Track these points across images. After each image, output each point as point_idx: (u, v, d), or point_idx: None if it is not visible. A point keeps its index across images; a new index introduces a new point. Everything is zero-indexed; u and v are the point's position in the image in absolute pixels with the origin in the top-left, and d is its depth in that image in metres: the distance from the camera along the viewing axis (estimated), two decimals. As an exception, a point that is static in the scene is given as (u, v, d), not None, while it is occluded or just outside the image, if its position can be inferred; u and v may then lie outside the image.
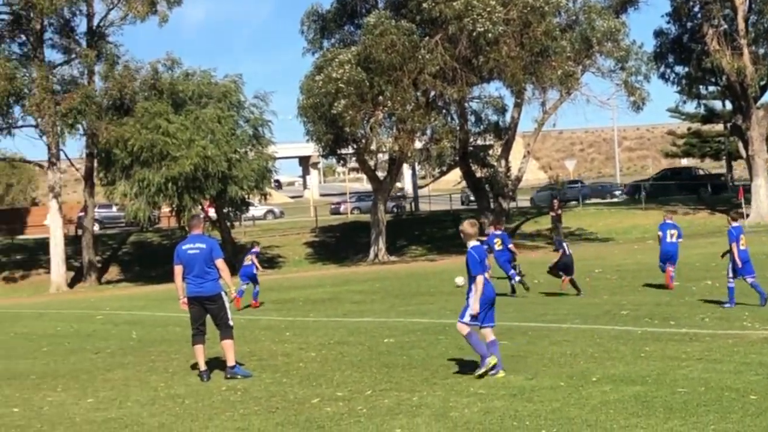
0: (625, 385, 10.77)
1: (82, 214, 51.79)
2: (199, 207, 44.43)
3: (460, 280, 12.76)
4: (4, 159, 68.93)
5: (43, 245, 48.97)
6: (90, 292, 43.41)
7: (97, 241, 50.58)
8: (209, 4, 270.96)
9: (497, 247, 23.49)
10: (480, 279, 12.03)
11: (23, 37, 46.97)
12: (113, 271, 50.61)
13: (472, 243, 12.48)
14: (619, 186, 78.95)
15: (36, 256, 50.96)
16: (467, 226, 12.64)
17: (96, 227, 54.36)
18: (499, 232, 24.34)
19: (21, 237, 59.81)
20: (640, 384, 10.76)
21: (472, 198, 73.74)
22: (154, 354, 16.88)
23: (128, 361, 16.28)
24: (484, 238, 12.89)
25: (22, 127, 48.00)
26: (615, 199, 74.00)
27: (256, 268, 26.08)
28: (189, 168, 41.76)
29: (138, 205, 43.12)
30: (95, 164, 47.97)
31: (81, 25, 47.78)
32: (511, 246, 24.04)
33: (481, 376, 11.79)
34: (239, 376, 13.29)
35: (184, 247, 13.73)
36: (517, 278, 23.38)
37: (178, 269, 13.73)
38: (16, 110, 46.78)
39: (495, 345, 12.15)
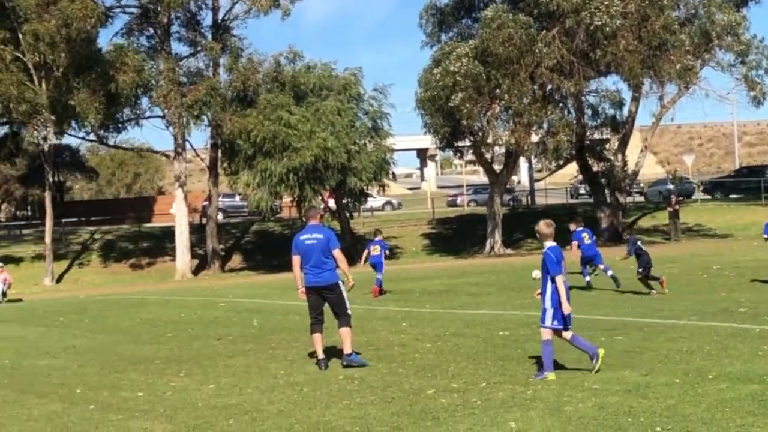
0: (742, 383, 10.54)
1: (206, 203, 52.78)
2: (319, 197, 44.87)
3: (537, 273, 12.63)
4: (132, 149, 70.69)
5: (168, 233, 50.07)
6: (213, 279, 44.23)
7: (221, 229, 51.52)
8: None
9: (586, 241, 23.65)
10: (560, 279, 11.89)
11: (151, 31, 48.14)
12: (236, 260, 51.46)
13: (549, 243, 12.26)
14: (693, 183, 76.39)
15: (162, 243, 52.10)
16: (543, 227, 12.40)
17: (220, 216, 55.35)
18: (581, 229, 24.35)
19: (148, 225, 61.20)
20: (758, 382, 10.53)
21: (581, 191, 73.16)
22: (274, 342, 17.13)
23: (249, 348, 16.56)
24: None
25: (149, 117, 49.44)
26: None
27: (385, 256, 26.68)
28: (309, 159, 42.22)
29: (260, 194, 43.77)
30: (219, 154, 48.93)
31: (206, 19, 48.82)
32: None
33: (597, 371, 11.70)
34: (355, 364, 13.43)
35: (301, 238, 13.91)
36: (610, 272, 23.37)
37: (296, 259, 13.91)
38: (144, 101, 48.22)
39: (548, 345, 11.93)
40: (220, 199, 57.13)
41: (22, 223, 70.76)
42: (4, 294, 35.21)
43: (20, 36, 43.86)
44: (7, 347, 19.17)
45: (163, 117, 47.57)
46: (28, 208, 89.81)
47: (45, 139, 47.00)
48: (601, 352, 11.86)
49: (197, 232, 51.40)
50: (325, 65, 47.44)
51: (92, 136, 52.03)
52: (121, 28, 48.67)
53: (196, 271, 47.65)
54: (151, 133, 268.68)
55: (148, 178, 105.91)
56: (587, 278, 23.96)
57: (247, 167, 44.43)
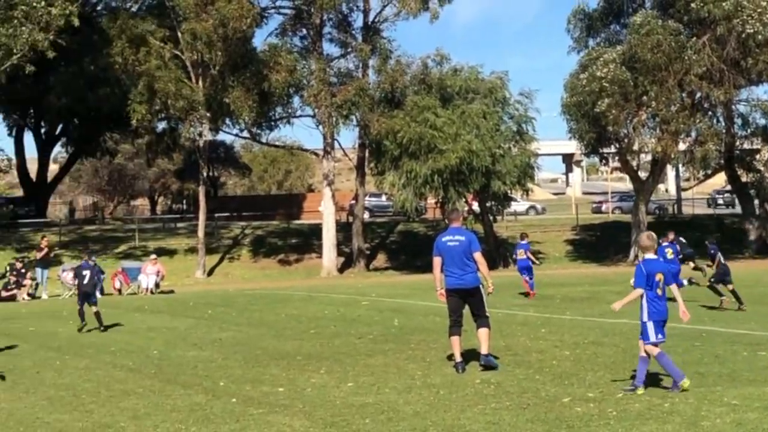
0: None
1: (353, 202, 53.28)
2: (463, 200, 44.80)
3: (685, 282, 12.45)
4: (283, 146, 71.88)
5: (316, 231, 50.70)
6: (358, 278, 44.64)
7: (367, 228, 51.93)
8: (479, 2, 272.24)
9: (669, 256, 23.20)
10: (637, 292, 11.80)
11: (304, 31, 48.90)
12: (380, 259, 51.82)
13: (648, 256, 12.15)
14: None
15: (309, 240, 52.81)
16: (644, 239, 12.33)
17: (366, 215, 55.80)
18: (667, 244, 24.03)
19: (297, 222, 62.11)
20: None
21: (719, 201, 71.19)
22: (413, 342, 17.20)
23: (389, 348, 16.66)
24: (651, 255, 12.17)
25: (300, 116, 50.26)
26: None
27: (531, 261, 27.05)
28: (454, 161, 42.22)
29: (405, 195, 43.98)
30: (366, 154, 49.35)
31: (357, 21, 49.33)
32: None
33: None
34: (492, 365, 13.43)
35: (443, 239, 13.94)
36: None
37: (437, 261, 13.95)
38: (296, 100, 49.02)
39: (645, 362, 11.73)
40: (367, 198, 57.62)
41: (177, 216, 72.76)
42: (157, 285, 36.26)
43: (179, 35, 45.06)
44: (156, 337, 19.75)
45: (313, 116, 48.27)
46: (184, 201, 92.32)
47: (200, 135, 48.18)
48: (640, 391, 11.52)
49: (344, 230, 51.94)
50: (472, 68, 47.32)
51: (246, 133, 53.17)
52: (275, 29, 49.74)
53: (341, 269, 48.14)
54: (301, 131, 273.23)
55: (299, 176, 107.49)
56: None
57: (393, 168, 44.69)
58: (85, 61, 52.99)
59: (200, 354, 16.77)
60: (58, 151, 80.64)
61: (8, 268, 36.23)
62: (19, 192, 77.00)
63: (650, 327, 11.74)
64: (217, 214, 58.97)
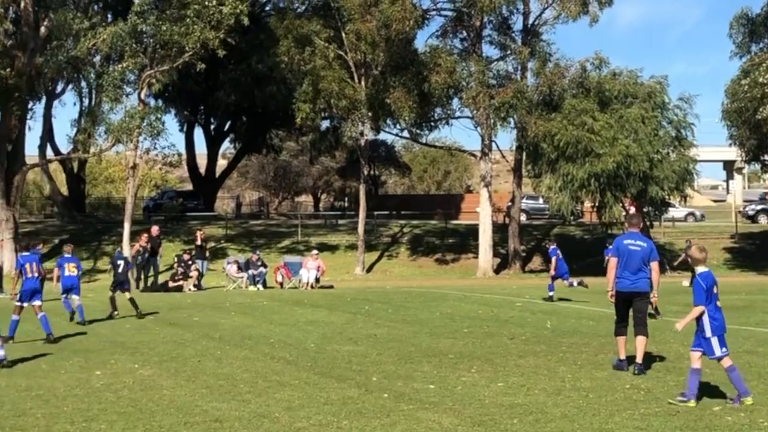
0: None
1: (510, 203, 53.05)
2: (620, 204, 44.05)
3: (686, 282, 12.03)
4: (442, 147, 72.01)
5: (473, 231, 50.67)
6: (513, 279, 44.43)
7: (523, 230, 51.64)
8: (641, 5, 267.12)
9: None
10: (699, 309, 11.44)
11: (464, 33, 48.93)
12: (536, 261, 51.43)
13: (701, 269, 11.77)
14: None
15: (466, 241, 52.80)
16: (696, 251, 12.03)
17: (522, 217, 55.51)
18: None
19: (454, 222, 62.16)
20: None
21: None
22: (564, 345, 17.07)
23: (540, 349, 16.57)
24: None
25: (459, 118, 50.30)
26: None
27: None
28: (611, 165, 41.59)
29: (562, 198, 43.55)
30: (524, 157, 49.08)
31: (517, 23, 49.04)
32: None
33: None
34: (643, 373, 13.29)
35: (625, 242, 13.99)
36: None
37: (613, 261, 14.00)
38: (455, 102, 49.05)
39: (732, 371, 11.34)
40: (524, 200, 57.30)
41: (339, 213, 73.71)
42: (318, 280, 36.82)
43: (343, 35, 45.68)
44: (314, 331, 20.09)
45: (471, 118, 48.26)
46: (345, 199, 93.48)
47: (362, 134, 48.71)
48: (692, 403, 11.16)
49: (500, 231, 51.77)
50: (631, 72, 46.44)
51: (406, 133, 53.48)
52: (436, 30, 49.93)
53: (497, 270, 47.99)
54: (460, 132, 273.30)
55: (457, 177, 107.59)
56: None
57: (549, 170, 44.32)
58: (252, 60, 54.24)
59: (355, 349, 16.99)
60: (227, 147, 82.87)
61: (176, 260, 37.45)
62: (188, 186, 79.35)
63: (714, 342, 11.45)
64: (376, 212, 59.54)
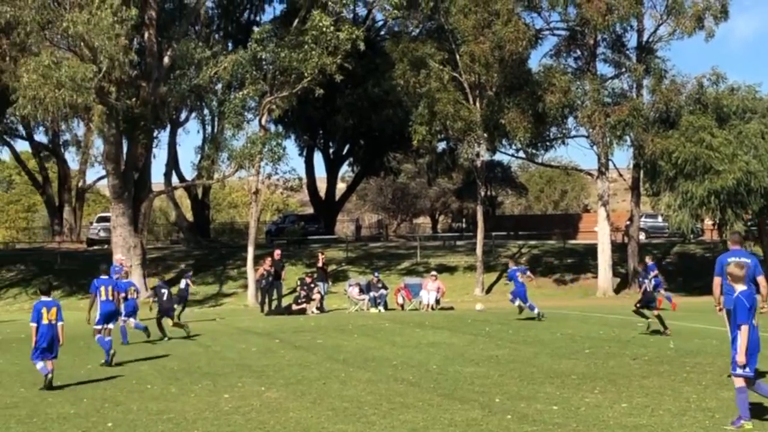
0: None
1: (628, 222, 52.31)
2: (741, 222, 43.00)
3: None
4: (558, 167, 71.60)
5: (591, 251, 50.13)
6: (633, 299, 43.55)
7: (642, 249, 50.84)
8: (756, 18, 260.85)
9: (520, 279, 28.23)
10: (745, 328, 11.15)
11: (578, 52, 48.54)
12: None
13: (740, 287, 11.41)
14: None
15: (585, 260, 52.22)
16: (735, 269, 11.68)
17: (642, 236, 54.65)
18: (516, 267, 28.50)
19: (572, 242, 61.57)
20: None
21: None
22: (689, 365, 16.81)
23: (663, 369, 16.36)
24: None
25: (574, 137, 49.85)
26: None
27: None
28: (731, 182, 40.68)
29: (681, 216, 42.74)
30: (641, 175, 48.39)
31: (631, 41, 48.35)
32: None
33: None
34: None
35: (729, 260, 13.77)
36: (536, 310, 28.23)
37: (717, 280, 13.81)
38: (570, 121, 48.63)
39: (742, 393, 11.17)
40: (642, 219, 56.42)
41: (456, 234, 73.67)
42: (438, 301, 36.84)
43: (457, 57, 45.77)
44: (435, 353, 20.13)
45: (587, 137, 47.84)
46: (463, 220, 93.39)
47: (478, 155, 48.67)
48: (748, 426, 11.02)
49: (619, 250, 51.05)
50: (749, 87, 45.27)
51: (521, 154, 53.27)
52: (549, 50, 49.59)
53: (617, 290, 47.31)
54: (576, 151, 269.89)
55: (574, 196, 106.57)
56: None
57: (668, 188, 43.54)
58: (369, 84, 54.74)
59: (477, 370, 17.00)
60: (345, 171, 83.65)
61: (299, 283, 37.89)
62: (309, 210, 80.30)
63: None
64: (494, 233, 59.35)
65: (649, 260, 29.38)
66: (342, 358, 19.58)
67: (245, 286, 44.12)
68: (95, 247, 60.23)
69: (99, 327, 20.44)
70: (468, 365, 17.77)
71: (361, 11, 57.87)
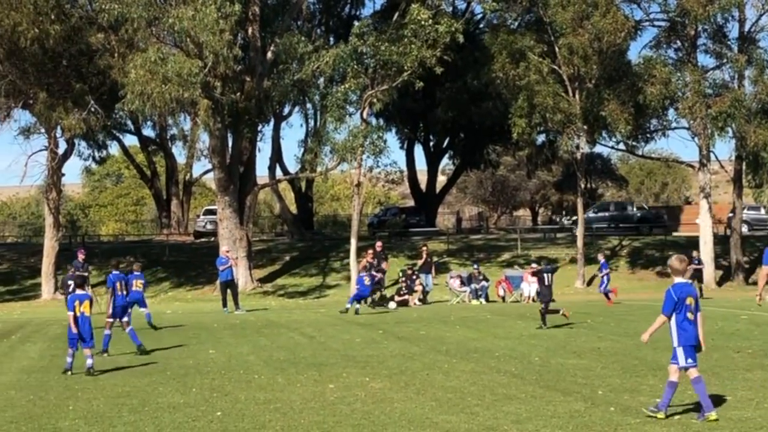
0: None
1: (731, 215, 51.39)
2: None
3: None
4: (659, 159, 70.56)
5: (693, 243, 49.28)
6: (736, 291, 43.01)
7: (745, 242, 49.88)
8: None
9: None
10: (661, 319, 11.80)
11: (678, 43, 47.77)
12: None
13: (677, 279, 11.85)
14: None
15: (687, 253, 51.24)
16: (675, 262, 12.00)
17: (744, 228, 53.57)
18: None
19: (674, 234, 60.64)
20: None
21: None
22: (793, 358, 16.56)
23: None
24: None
25: (675, 128, 49.11)
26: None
27: None
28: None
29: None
30: (743, 166, 47.46)
31: (732, 31, 47.47)
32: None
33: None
34: None
35: None
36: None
37: (765, 270, 14.41)
38: (670, 113, 47.94)
39: (698, 383, 11.63)
40: (745, 211, 55.27)
41: (556, 227, 73.14)
42: (538, 293, 36.60)
43: (556, 49, 45.38)
44: (538, 345, 20.12)
45: (688, 128, 47.10)
46: (563, 212, 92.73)
47: (578, 147, 48.19)
48: (660, 416, 11.43)
49: (721, 243, 50.15)
50: None
51: (621, 146, 52.59)
52: (649, 41, 48.89)
53: (719, 282, 46.50)
54: (676, 143, 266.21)
55: (675, 188, 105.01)
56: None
57: (770, 180, 42.79)
58: (468, 77, 54.58)
59: (579, 362, 16.95)
60: (446, 163, 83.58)
61: (401, 275, 38.08)
62: (410, 202, 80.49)
63: (680, 352, 11.58)
64: (594, 225, 58.80)
65: (601, 257, 29.86)
66: (444, 349, 19.68)
67: (348, 278, 44.39)
68: (202, 240, 61.22)
69: (112, 320, 20.80)
70: (570, 357, 17.73)
71: (460, 4, 57.67)
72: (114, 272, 21.88)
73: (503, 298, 37.74)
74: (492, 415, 12.16)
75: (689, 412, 11.91)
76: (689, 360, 11.64)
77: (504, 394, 13.61)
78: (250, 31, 45.60)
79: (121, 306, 21.17)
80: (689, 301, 11.73)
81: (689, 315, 11.72)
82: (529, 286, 36.54)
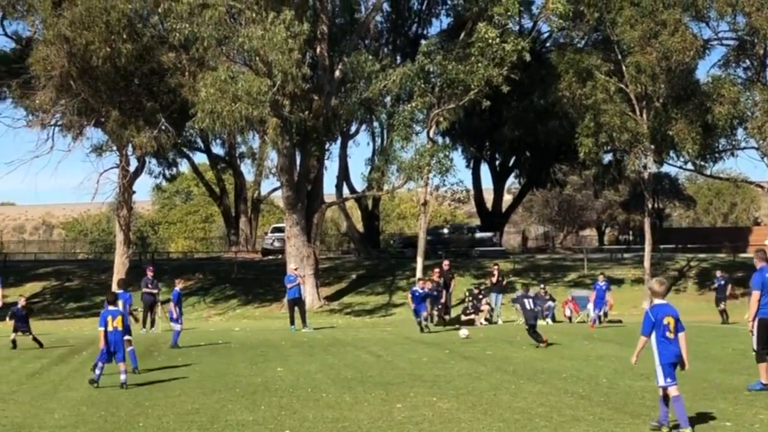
0: None
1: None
2: None
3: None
4: (727, 179, 69.64)
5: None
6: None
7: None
8: None
9: None
10: (642, 340, 12.52)
11: (747, 62, 47.19)
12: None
13: (657, 301, 12.56)
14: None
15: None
16: (655, 284, 12.79)
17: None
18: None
19: (743, 255, 59.73)
20: None
21: None
22: None
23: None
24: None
25: (744, 148, 48.46)
26: None
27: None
28: None
29: None
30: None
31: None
32: None
33: None
34: None
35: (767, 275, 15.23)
36: None
37: (756, 294, 15.27)
38: (739, 132, 47.33)
39: (678, 401, 12.09)
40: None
41: (623, 247, 72.49)
42: (605, 314, 36.23)
43: (624, 68, 45.05)
44: (605, 366, 19.94)
45: (757, 148, 46.46)
46: (630, 232, 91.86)
47: (645, 167, 47.69)
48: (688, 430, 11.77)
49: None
50: None
51: (689, 165, 52.00)
52: (717, 60, 48.38)
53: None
54: (745, 163, 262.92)
55: (744, 208, 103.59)
56: None
57: None
58: (534, 95, 54.42)
59: (648, 384, 16.73)
60: (512, 182, 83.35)
61: (467, 294, 37.93)
62: (476, 221, 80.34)
63: (659, 371, 12.24)
64: (661, 246, 58.14)
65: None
66: (511, 369, 19.58)
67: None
68: (270, 257, 61.62)
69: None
70: (638, 379, 17.53)
71: (527, 23, 57.60)
72: (122, 292, 21.67)
73: (570, 319, 37.43)
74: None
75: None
76: (668, 379, 12.24)
77: (572, 416, 13.51)
78: (318, 50, 46.00)
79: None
80: (666, 320, 12.34)
81: (668, 334, 12.33)
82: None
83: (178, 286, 29.07)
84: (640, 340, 12.56)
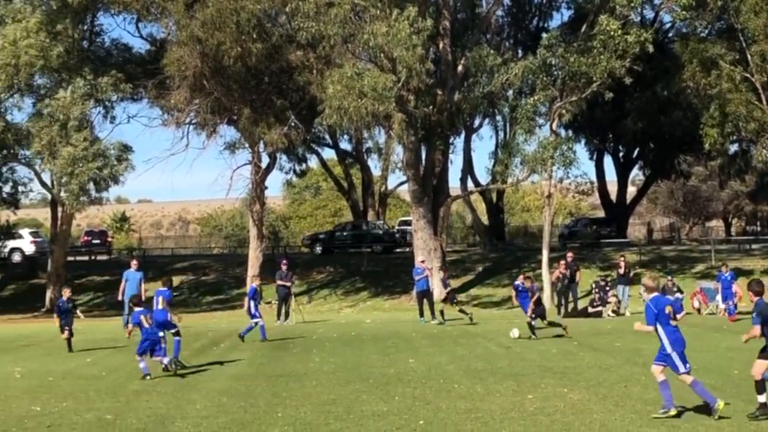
0: None
1: None
2: None
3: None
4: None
5: None
6: None
7: None
8: None
9: None
10: (648, 328, 13.18)
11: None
12: None
13: (652, 295, 13.30)
14: None
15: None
16: (649, 281, 13.72)
17: None
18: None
19: None
20: None
21: None
22: None
23: None
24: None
25: None
26: None
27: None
28: None
29: None
30: None
31: None
32: None
33: None
34: None
35: None
36: None
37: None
38: None
39: (697, 385, 12.82)
40: None
41: (751, 237, 70.63)
42: (735, 306, 35.10)
43: (749, 57, 43.91)
44: (736, 358, 19.37)
45: None
46: (757, 223, 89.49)
47: (775, 156, 46.49)
48: (673, 412, 12.68)
49: None
50: None
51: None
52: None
53: None
54: None
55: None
56: None
57: None
58: (657, 86, 53.48)
59: None
60: (636, 174, 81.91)
61: (593, 286, 37.50)
62: (600, 213, 79.35)
63: (676, 358, 12.89)
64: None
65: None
66: (641, 361, 19.30)
67: (541, 288, 44.15)
68: (398, 251, 61.98)
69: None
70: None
71: (648, 13, 56.59)
72: (159, 289, 21.55)
73: (699, 310, 36.68)
74: (692, 428, 11.99)
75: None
76: (687, 365, 13.00)
77: (704, 408, 13.29)
78: (441, 45, 46.05)
79: (160, 322, 20.39)
80: (668, 310, 13.13)
81: (672, 322, 13.13)
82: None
83: (255, 282, 29.49)
84: (645, 326, 13.47)
